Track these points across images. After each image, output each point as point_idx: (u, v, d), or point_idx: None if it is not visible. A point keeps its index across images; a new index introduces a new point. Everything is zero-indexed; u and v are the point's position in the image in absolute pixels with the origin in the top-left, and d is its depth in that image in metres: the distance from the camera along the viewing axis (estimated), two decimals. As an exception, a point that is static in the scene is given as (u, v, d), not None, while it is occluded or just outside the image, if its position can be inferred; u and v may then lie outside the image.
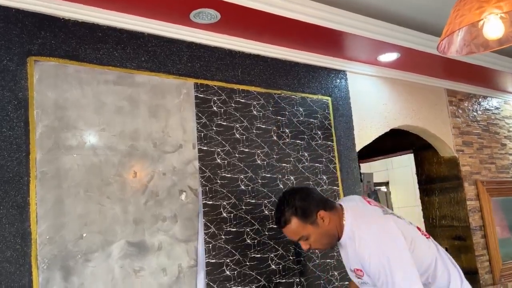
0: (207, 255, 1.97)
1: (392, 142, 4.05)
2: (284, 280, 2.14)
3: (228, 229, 2.06)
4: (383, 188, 6.75)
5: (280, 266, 2.16)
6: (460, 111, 3.67)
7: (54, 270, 1.67)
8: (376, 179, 6.26)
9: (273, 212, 2.23)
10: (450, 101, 3.60)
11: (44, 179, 1.71)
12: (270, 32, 2.36)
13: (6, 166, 1.65)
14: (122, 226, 1.86)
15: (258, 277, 2.07)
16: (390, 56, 2.87)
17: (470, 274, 3.41)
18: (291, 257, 2.21)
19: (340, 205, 1.69)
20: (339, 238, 1.65)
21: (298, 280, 2.18)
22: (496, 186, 3.69)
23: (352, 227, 1.59)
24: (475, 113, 3.80)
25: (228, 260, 2.01)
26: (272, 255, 2.15)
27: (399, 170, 6.60)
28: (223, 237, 2.03)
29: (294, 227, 1.59)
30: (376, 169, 6.57)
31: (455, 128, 3.57)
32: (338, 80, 2.85)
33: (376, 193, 5.15)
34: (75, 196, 1.77)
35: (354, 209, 1.66)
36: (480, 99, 3.90)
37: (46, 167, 1.73)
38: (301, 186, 1.68)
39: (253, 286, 2.04)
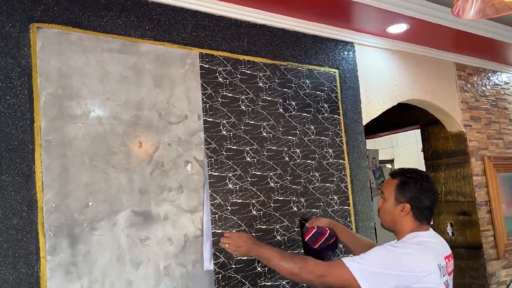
0: (213, 226, 1.97)
1: (398, 118, 4.01)
2: (289, 251, 2.15)
3: (234, 200, 2.05)
4: (388, 165, 6.74)
5: (286, 237, 2.16)
6: (469, 85, 3.61)
7: (60, 237, 1.67)
8: (381, 157, 6.24)
9: (279, 184, 2.22)
10: (459, 75, 3.54)
11: (49, 147, 1.70)
12: (277, 2, 2.30)
13: (11, 134, 1.64)
14: (127, 195, 1.85)
15: None
16: (399, 28, 2.80)
17: (475, 248, 3.43)
18: (296, 229, 2.21)
19: (431, 229, 1.63)
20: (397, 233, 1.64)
21: (303, 251, 2.19)
22: (503, 162, 3.67)
23: (409, 237, 1.57)
24: (484, 88, 3.74)
25: (234, 231, 2.01)
26: (277, 226, 2.15)
27: (404, 148, 6.58)
28: (229, 208, 2.02)
29: (390, 184, 1.65)
30: (381, 146, 6.54)
31: (463, 103, 3.52)
32: (346, 52, 2.80)
33: (381, 169, 5.13)
34: (80, 165, 1.76)
35: (426, 238, 1.56)
36: (489, 74, 3.83)
37: (51, 135, 1.72)
38: (432, 185, 1.64)
39: None
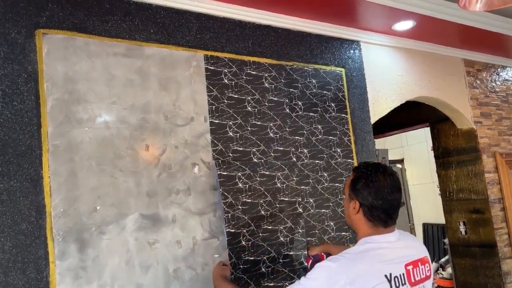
0: (226, 225, 1.95)
1: (407, 116, 3.98)
2: (292, 253, 2.13)
3: (244, 200, 2.04)
4: (398, 165, 6.68)
5: (288, 238, 2.14)
6: (478, 81, 3.56)
7: (69, 242, 1.68)
8: (391, 157, 6.18)
9: (285, 185, 2.20)
10: (468, 72, 3.50)
11: (57, 152, 1.71)
12: (281, 2, 2.30)
13: (18, 139, 1.64)
14: (135, 199, 1.85)
15: (269, 248, 2.05)
16: (405, 25, 2.78)
17: (489, 247, 3.37)
18: (300, 230, 2.18)
19: (395, 231, 1.49)
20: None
21: (306, 253, 2.16)
22: (515, 158, 3.60)
23: (359, 243, 1.47)
24: (493, 84, 3.69)
25: (244, 231, 1.99)
26: (281, 227, 2.13)
27: (415, 147, 6.52)
28: (240, 207, 2.01)
29: (348, 179, 1.55)
30: (391, 146, 6.49)
31: (473, 99, 3.47)
32: (352, 51, 2.78)
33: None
34: (87, 169, 1.76)
35: (377, 244, 1.43)
36: (499, 69, 3.78)
37: (58, 140, 1.72)
38: (388, 183, 1.45)
39: (264, 257, 2.03)
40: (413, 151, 6.58)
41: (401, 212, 6.61)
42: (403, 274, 1.38)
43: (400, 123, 4.18)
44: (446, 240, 4.52)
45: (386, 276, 1.34)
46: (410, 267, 1.41)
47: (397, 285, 1.36)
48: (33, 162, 1.66)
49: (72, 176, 1.73)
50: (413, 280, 1.41)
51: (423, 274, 1.45)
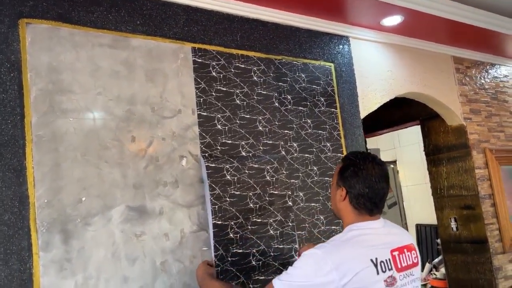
0: (213, 216, 1.92)
1: (398, 114, 3.99)
2: (282, 246, 2.10)
3: (232, 192, 2.01)
4: (391, 166, 6.68)
5: (278, 232, 2.12)
6: (468, 78, 3.58)
7: (53, 233, 1.64)
8: (383, 158, 6.17)
9: (274, 178, 2.19)
10: (457, 69, 3.51)
11: (40, 142, 1.68)
12: (269, -5, 2.30)
13: (1, 129, 1.62)
14: (121, 190, 1.83)
15: (258, 241, 2.03)
16: (394, 20, 2.79)
17: (480, 243, 3.37)
18: (290, 223, 2.16)
19: (381, 219, 1.49)
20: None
21: (296, 246, 2.14)
22: (505, 154, 3.62)
23: (344, 231, 1.47)
24: (483, 81, 3.71)
25: (232, 223, 1.97)
26: (271, 220, 2.11)
27: (407, 148, 6.52)
28: (227, 199, 1.98)
29: (337, 168, 1.56)
30: (384, 147, 6.50)
31: (463, 96, 3.49)
32: (341, 46, 2.78)
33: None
34: (72, 160, 1.74)
35: (362, 231, 1.43)
36: (488, 67, 3.80)
37: (42, 130, 1.70)
38: (376, 172, 1.47)
39: (254, 250, 2.00)
40: (406, 152, 6.59)
41: (394, 213, 6.59)
42: (389, 259, 1.38)
43: (391, 121, 4.19)
44: (439, 241, 4.52)
45: (372, 260, 1.34)
46: (396, 253, 1.41)
47: (384, 269, 1.35)
48: (16, 152, 1.63)
49: (57, 167, 1.70)
50: (399, 266, 1.40)
51: (410, 261, 1.44)
